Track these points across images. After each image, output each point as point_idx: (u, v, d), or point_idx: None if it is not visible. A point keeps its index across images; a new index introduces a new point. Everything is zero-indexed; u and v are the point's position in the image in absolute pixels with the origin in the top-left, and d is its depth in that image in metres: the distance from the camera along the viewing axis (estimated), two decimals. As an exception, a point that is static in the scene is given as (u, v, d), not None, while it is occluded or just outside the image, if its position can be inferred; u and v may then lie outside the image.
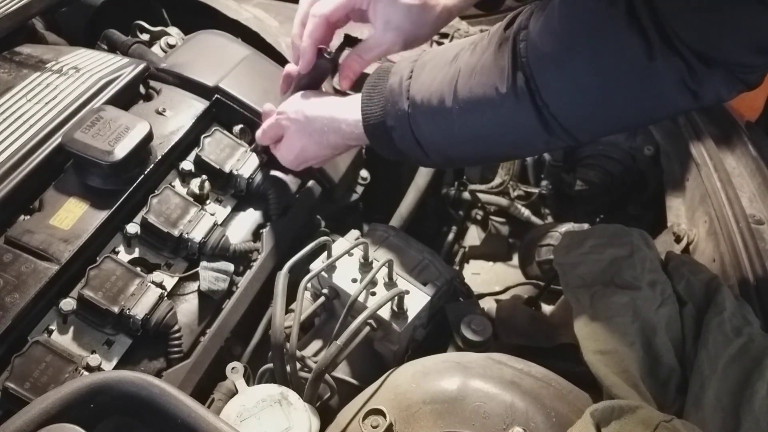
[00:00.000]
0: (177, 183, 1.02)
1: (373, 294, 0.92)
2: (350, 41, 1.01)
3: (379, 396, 0.81)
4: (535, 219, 1.63)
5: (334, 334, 0.85)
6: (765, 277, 0.99)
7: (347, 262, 0.95)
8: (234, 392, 0.85)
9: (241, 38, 1.26)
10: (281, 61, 1.24)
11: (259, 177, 1.06)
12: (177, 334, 0.89)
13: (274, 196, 1.07)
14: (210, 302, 0.96)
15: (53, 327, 0.85)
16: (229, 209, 1.05)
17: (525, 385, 0.79)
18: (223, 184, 1.06)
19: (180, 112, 1.07)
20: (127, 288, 0.88)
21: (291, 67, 1.03)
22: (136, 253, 0.94)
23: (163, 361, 0.89)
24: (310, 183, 1.15)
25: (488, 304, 1.13)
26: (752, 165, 1.21)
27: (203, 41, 1.21)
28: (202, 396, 0.89)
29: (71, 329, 0.86)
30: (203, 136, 1.05)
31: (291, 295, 0.87)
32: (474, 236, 1.68)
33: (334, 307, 0.99)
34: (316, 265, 0.94)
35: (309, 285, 0.94)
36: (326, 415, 0.84)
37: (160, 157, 0.99)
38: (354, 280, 0.94)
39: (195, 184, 1.02)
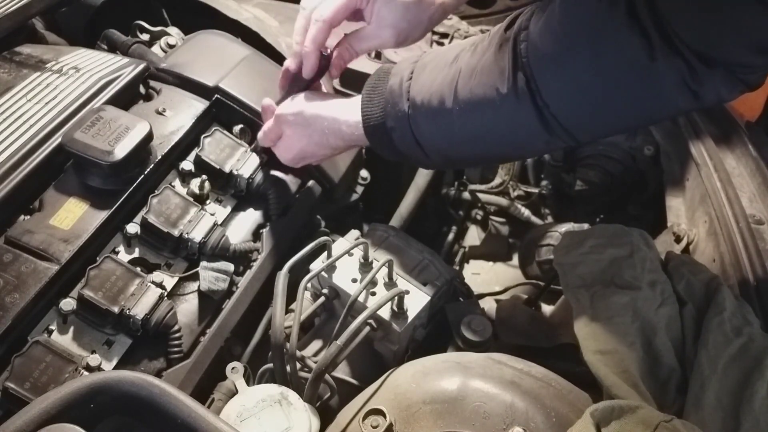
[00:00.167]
0: (177, 183, 1.02)
1: (373, 294, 0.92)
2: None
3: (379, 396, 0.81)
4: (535, 219, 1.63)
5: (334, 334, 0.85)
6: (765, 277, 0.99)
7: (347, 262, 0.95)
8: (234, 392, 0.85)
9: (241, 38, 1.26)
10: (281, 61, 1.24)
11: (259, 177, 1.06)
12: (177, 334, 0.89)
13: (274, 196, 1.07)
14: (210, 302, 0.96)
15: (53, 327, 0.85)
16: (229, 209, 1.05)
17: (525, 385, 0.79)
18: (223, 184, 1.06)
19: (180, 112, 1.07)
20: (127, 288, 0.88)
21: (290, 63, 1.02)
22: (136, 253, 0.94)
23: (163, 361, 0.89)
24: (310, 183, 1.15)
25: (488, 304, 1.13)
26: (752, 165, 1.21)
27: (203, 41, 1.21)
28: (202, 396, 0.89)
29: (71, 329, 0.86)
30: (203, 136, 1.05)
31: (291, 295, 0.87)
32: (474, 236, 1.68)
33: (334, 307, 0.99)
34: (316, 265, 0.94)
35: (309, 285, 0.94)
36: (326, 415, 0.84)
37: (160, 157, 0.99)
38: (354, 280, 0.94)
39: (195, 184, 1.02)
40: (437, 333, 1.01)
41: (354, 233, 1.03)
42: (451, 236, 1.63)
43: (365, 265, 0.94)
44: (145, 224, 0.94)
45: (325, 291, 0.95)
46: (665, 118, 1.25)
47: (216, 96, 1.10)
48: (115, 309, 0.85)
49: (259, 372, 0.89)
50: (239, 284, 0.99)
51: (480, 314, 1.00)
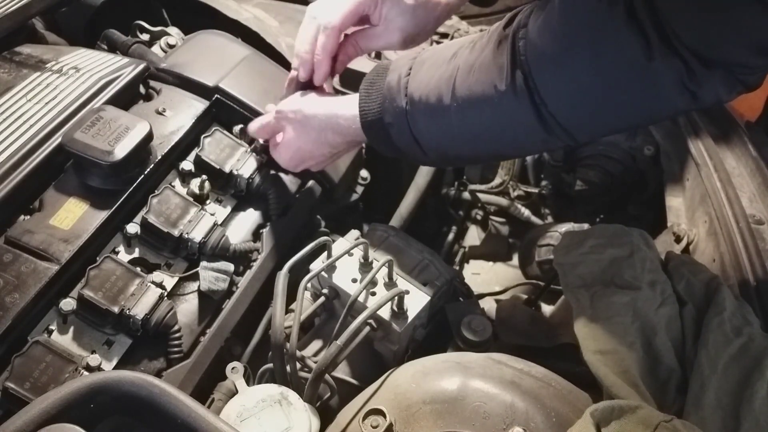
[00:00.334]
0: (177, 183, 1.02)
1: (373, 294, 0.92)
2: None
3: (379, 396, 0.81)
4: (535, 219, 1.63)
5: (334, 334, 0.85)
6: (765, 277, 0.99)
7: (347, 262, 0.95)
8: (234, 392, 0.85)
9: (241, 38, 1.26)
10: (281, 61, 1.24)
11: (259, 177, 1.06)
12: (177, 334, 0.90)
13: (274, 196, 1.07)
14: (210, 302, 0.96)
15: (53, 327, 0.85)
16: (229, 209, 1.05)
17: (525, 385, 0.79)
18: (223, 184, 1.06)
19: (180, 112, 1.07)
20: (127, 288, 0.88)
21: (296, 71, 1.02)
22: (136, 253, 0.94)
23: (163, 361, 0.89)
24: (310, 183, 1.15)
25: (488, 304, 1.13)
26: (752, 165, 1.21)
27: (203, 41, 1.21)
28: (202, 396, 0.89)
29: (71, 329, 0.86)
30: (203, 136, 1.05)
31: (291, 295, 0.87)
32: (474, 236, 1.68)
33: (334, 307, 0.99)
34: (316, 265, 0.94)
35: (309, 285, 0.94)
36: (326, 415, 0.84)
37: (160, 157, 0.99)
38: (354, 280, 0.94)
39: (195, 184, 1.02)
40: (437, 333, 1.01)
41: (354, 233, 1.03)
42: (451, 236, 1.63)
43: (365, 265, 0.94)
44: (145, 224, 0.94)
45: (325, 291, 0.95)
46: (664, 119, 1.25)
47: (216, 96, 1.10)
48: (115, 309, 0.85)
49: (259, 372, 0.89)
50: (239, 284, 0.99)
51: (480, 314, 1.00)
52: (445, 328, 1.00)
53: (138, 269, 0.91)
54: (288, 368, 0.84)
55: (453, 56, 0.84)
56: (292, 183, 1.12)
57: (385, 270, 0.91)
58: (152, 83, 1.12)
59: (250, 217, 1.07)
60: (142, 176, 0.96)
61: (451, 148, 0.88)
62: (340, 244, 0.97)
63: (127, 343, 0.87)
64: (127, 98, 1.06)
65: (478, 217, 1.69)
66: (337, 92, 1.15)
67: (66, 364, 0.81)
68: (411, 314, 0.90)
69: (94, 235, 0.90)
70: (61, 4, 1.29)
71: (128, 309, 0.86)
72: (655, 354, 0.82)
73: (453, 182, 1.65)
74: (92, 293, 0.85)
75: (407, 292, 0.90)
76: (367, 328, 0.89)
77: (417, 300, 0.93)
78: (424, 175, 1.46)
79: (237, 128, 1.11)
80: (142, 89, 1.10)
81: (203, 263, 0.96)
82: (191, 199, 0.99)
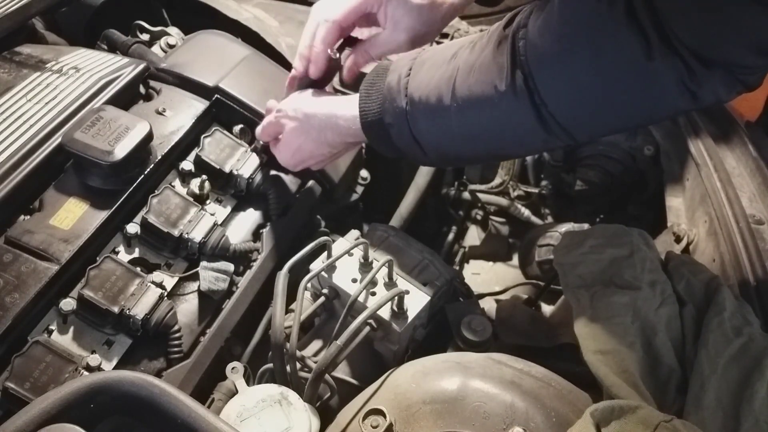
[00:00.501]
0: (177, 183, 1.02)
1: (373, 294, 0.92)
2: (350, 41, 1.01)
3: (379, 396, 0.81)
4: (535, 219, 1.63)
5: (334, 334, 0.85)
6: (765, 277, 0.99)
7: (347, 262, 0.95)
8: (234, 392, 0.85)
9: (241, 38, 1.26)
10: (281, 61, 1.24)
11: (259, 177, 1.06)
12: (177, 334, 0.90)
13: (274, 196, 1.07)
14: (210, 302, 0.96)
15: (53, 327, 0.85)
16: (229, 209, 1.05)
17: (525, 385, 0.79)
18: (223, 184, 1.06)
19: (180, 112, 1.07)
20: (127, 288, 0.88)
21: (297, 67, 1.02)
22: (136, 253, 0.94)
23: (163, 361, 0.89)
24: (310, 183, 1.15)
25: (488, 304, 1.13)
26: (752, 165, 1.21)
27: (203, 41, 1.21)
28: (202, 396, 0.89)
29: (71, 329, 0.86)
30: (203, 136, 1.05)
31: (291, 295, 0.87)
32: (474, 236, 1.68)
33: (334, 307, 0.99)
34: (316, 265, 0.94)
35: (309, 285, 0.94)
36: (326, 415, 0.84)
37: (160, 157, 0.99)
38: (354, 280, 0.94)
39: (195, 184, 1.02)
40: (437, 333, 1.01)
41: (354, 233, 1.03)
42: (451, 236, 1.63)
43: (365, 265, 0.94)
44: (145, 224, 0.94)
45: (325, 291, 0.95)
46: (664, 119, 1.25)
47: (216, 96, 1.10)
48: (115, 309, 0.85)
49: (259, 372, 0.89)
50: (239, 284, 0.99)
51: (480, 314, 1.00)
52: (445, 328, 1.00)
53: (138, 269, 0.91)
54: (288, 368, 0.84)
55: (453, 56, 0.84)
56: (292, 183, 1.12)
57: (385, 270, 0.91)
58: (152, 83, 1.12)
59: (250, 217, 1.07)
60: (142, 176, 0.96)
61: (451, 149, 0.88)
62: (340, 244, 0.97)
63: (127, 343, 0.87)
64: (127, 98, 1.06)
65: (478, 217, 1.69)
66: (336, 92, 1.15)
67: (66, 364, 0.81)
68: (411, 314, 0.90)
69: (94, 235, 0.90)
70: (61, 4, 1.29)
71: (128, 309, 0.86)
72: (655, 354, 0.82)
73: (453, 182, 1.65)
74: (92, 293, 0.85)
75: (407, 292, 0.90)
76: (367, 328, 0.89)
77: (417, 300, 0.93)
78: (424, 175, 1.46)
79: (237, 128, 1.11)
80: (142, 89, 1.10)
81: (203, 263, 0.96)
82: (191, 199, 0.99)
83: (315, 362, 0.84)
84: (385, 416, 0.74)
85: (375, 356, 0.97)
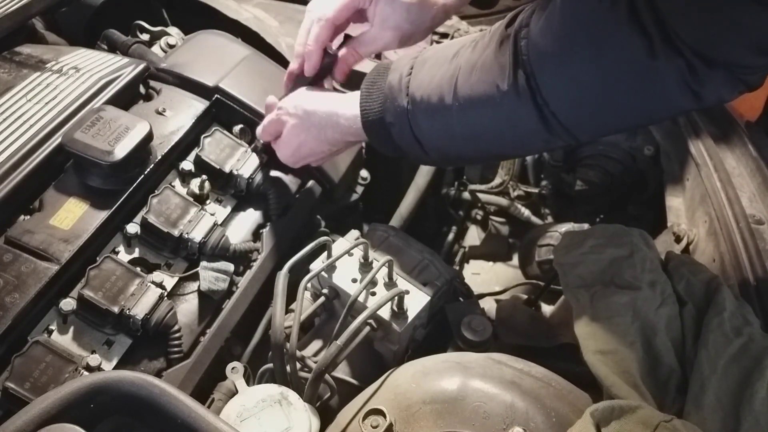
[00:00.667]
0: (177, 183, 1.02)
1: (373, 294, 0.92)
2: (347, 38, 1.02)
3: (379, 396, 0.81)
4: (535, 219, 1.64)
5: (334, 334, 0.85)
6: (765, 277, 0.99)
7: (347, 262, 0.95)
8: (234, 392, 0.85)
9: (241, 38, 1.26)
10: (281, 61, 1.24)
11: (259, 177, 1.06)
12: (177, 334, 0.89)
13: (274, 196, 1.07)
14: (210, 302, 0.96)
15: (53, 327, 0.85)
16: (229, 209, 1.05)
17: (525, 385, 0.79)
18: (223, 184, 1.06)
19: (180, 112, 1.07)
20: (127, 288, 0.88)
21: (293, 65, 1.03)
22: (136, 253, 0.94)
23: (163, 361, 0.89)
24: (310, 183, 1.15)
25: (488, 304, 1.13)
26: (752, 165, 1.21)
27: (203, 41, 1.21)
28: (202, 396, 0.89)
29: (71, 329, 0.86)
30: (203, 136, 1.05)
31: (291, 295, 0.87)
32: (474, 236, 1.68)
33: (334, 307, 0.99)
34: (316, 265, 0.94)
35: (309, 285, 0.94)
36: (326, 415, 0.84)
37: (160, 157, 0.99)
38: (354, 280, 0.94)
39: (195, 184, 1.02)
40: (437, 333, 1.01)
41: (354, 233, 1.03)
42: (451, 236, 1.63)
43: (365, 265, 0.94)
44: (145, 224, 0.94)
45: (325, 291, 0.95)
46: (665, 118, 1.25)
47: (216, 96, 1.10)
48: (115, 309, 0.85)
49: (259, 372, 0.89)
50: (239, 284, 0.99)
51: (480, 314, 1.00)
52: (445, 328, 1.00)
53: (138, 269, 0.91)
54: (288, 368, 0.84)
55: (455, 56, 0.84)
56: (292, 183, 1.12)
57: (385, 270, 0.91)
58: (152, 83, 1.12)
59: (250, 217, 1.07)
60: (142, 176, 0.96)
61: (452, 148, 0.88)
62: (340, 244, 0.97)
63: (127, 343, 0.87)
64: (127, 98, 1.06)
65: (478, 217, 1.70)
66: (336, 91, 1.14)
67: (66, 364, 0.81)
68: (411, 314, 0.90)
69: (94, 235, 0.90)
70: (61, 4, 1.29)
71: (128, 309, 0.86)
72: (655, 354, 0.82)
73: (453, 182, 1.65)
74: (92, 293, 0.85)
75: (407, 292, 0.90)
76: (367, 328, 0.89)
77: (417, 300, 0.93)
78: (424, 175, 1.46)
79: (237, 128, 1.11)
80: (142, 89, 1.10)
81: (203, 263, 0.96)
82: (191, 199, 0.99)
83: (315, 362, 0.84)
84: (385, 416, 0.74)
85: (375, 356, 0.97)
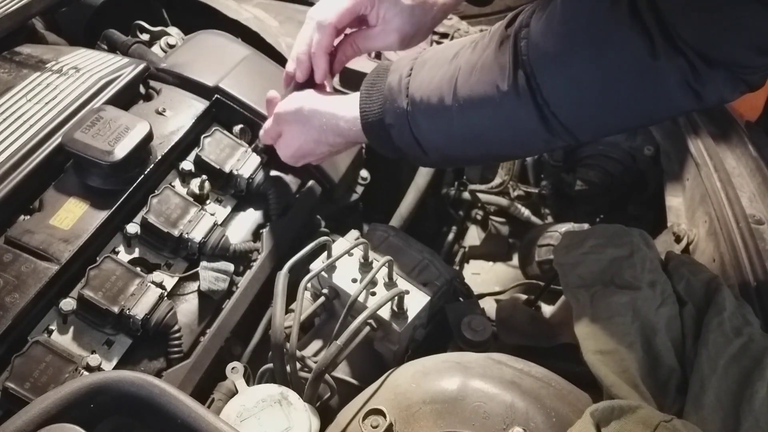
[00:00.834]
0: (177, 183, 1.02)
1: (373, 294, 0.92)
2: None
3: (379, 396, 0.81)
4: (535, 219, 1.63)
5: (334, 334, 0.85)
6: (765, 277, 0.99)
7: (347, 262, 0.95)
8: (234, 392, 0.85)
9: (241, 38, 1.26)
10: (281, 61, 1.24)
11: (259, 177, 1.06)
12: (177, 334, 0.89)
13: (274, 196, 1.07)
14: (210, 302, 0.96)
15: (53, 327, 0.85)
16: (229, 209, 1.05)
17: (525, 385, 0.79)
18: (223, 184, 1.06)
19: (180, 112, 1.07)
20: (127, 288, 0.88)
21: (291, 69, 1.03)
22: (136, 253, 0.94)
23: (163, 361, 0.89)
24: (310, 183, 1.15)
25: (488, 304, 1.13)
26: (752, 165, 1.21)
27: (203, 41, 1.21)
28: (202, 396, 0.89)
29: (71, 329, 0.86)
30: (203, 136, 1.05)
31: (291, 295, 0.87)
32: (474, 236, 1.68)
33: (334, 307, 0.99)
34: (316, 265, 0.93)
35: (309, 285, 0.94)
36: (326, 415, 0.84)
37: (160, 157, 0.99)
38: (354, 280, 0.94)
39: (195, 184, 1.02)
40: (437, 333, 1.01)
41: (354, 233, 1.03)
42: (451, 236, 1.63)
43: (365, 265, 0.94)
44: (145, 224, 0.94)
45: (325, 291, 0.95)
46: (666, 118, 1.25)
47: (216, 96, 1.10)
48: (115, 309, 0.85)
49: (259, 372, 0.89)
50: (239, 284, 0.99)
51: (480, 314, 1.00)
52: (445, 328, 1.00)
53: (138, 269, 0.91)
54: (288, 368, 0.84)
55: (454, 56, 0.84)
56: (292, 183, 1.12)
57: (385, 270, 0.91)
58: (152, 83, 1.12)
59: (250, 217, 1.07)
60: (142, 176, 0.96)
61: (452, 149, 0.88)
62: (340, 244, 0.97)
63: (127, 343, 0.87)
64: (127, 98, 1.06)
65: (478, 217, 1.70)
66: (336, 92, 1.15)
67: (66, 364, 0.81)
68: (411, 314, 0.90)
69: (94, 235, 0.90)
70: (61, 4, 1.29)
71: (128, 309, 0.86)
72: (655, 354, 0.82)
73: (453, 182, 1.65)
74: (92, 293, 0.85)
75: (407, 292, 0.90)
76: (367, 328, 0.89)
77: (417, 300, 0.93)
78: (424, 175, 1.47)
79: (237, 128, 1.11)
80: (142, 89, 1.10)
81: (203, 263, 0.96)
82: (191, 199, 0.99)
83: (315, 362, 0.84)
84: (385, 416, 0.74)
85: (375, 356, 0.97)
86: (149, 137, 0.95)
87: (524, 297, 1.22)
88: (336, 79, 1.08)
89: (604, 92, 0.74)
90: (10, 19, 1.09)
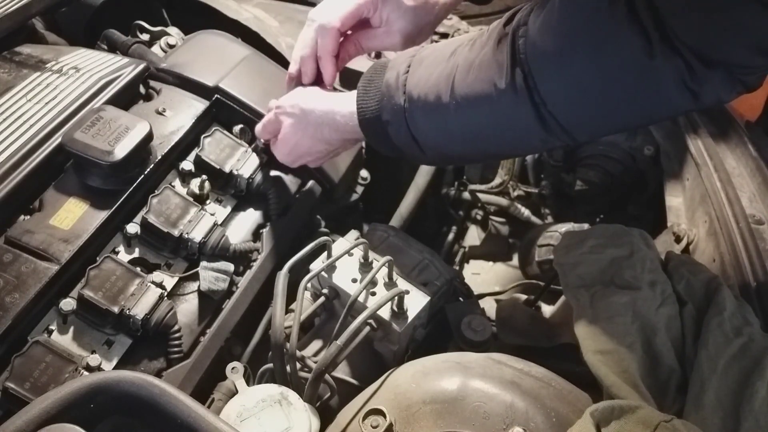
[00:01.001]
0: (177, 183, 1.02)
1: (373, 294, 0.92)
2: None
3: (379, 396, 0.81)
4: (535, 219, 1.63)
5: (334, 334, 0.85)
6: (765, 277, 0.99)
7: (347, 262, 0.95)
8: (234, 392, 0.85)
9: (241, 38, 1.26)
10: (281, 61, 1.24)
11: (259, 177, 1.06)
12: (177, 334, 0.90)
13: (274, 196, 1.07)
14: (210, 302, 0.96)
15: (53, 327, 0.85)
16: (229, 209, 1.05)
17: (525, 385, 0.79)
18: (223, 184, 1.06)
19: (180, 112, 1.07)
20: (127, 288, 0.88)
21: (294, 72, 1.03)
22: (136, 253, 0.94)
23: (163, 361, 0.89)
24: (310, 183, 1.15)
25: (488, 304, 1.13)
26: (752, 165, 1.21)
27: (203, 41, 1.21)
28: (202, 396, 0.89)
29: (71, 329, 0.86)
30: (203, 136, 1.05)
31: (291, 295, 0.87)
32: (474, 236, 1.68)
33: (334, 307, 0.99)
34: (316, 265, 0.93)
35: (309, 285, 0.94)
36: (326, 415, 0.84)
37: (160, 157, 0.99)
38: (354, 280, 0.94)
39: (195, 184, 1.02)
40: (437, 333, 1.01)
41: (354, 233, 1.03)
42: (451, 236, 1.63)
43: (365, 265, 0.94)
44: (145, 224, 0.94)
45: (325, 291, 0.95)
46: (664, 119, 1.24)
47: (216, 96, 1.10)
48: (115, 309, 0.85)
49: (259, 372, 0.89)
50: (239, 284, 0.99)
51: (480, 314, 1.00)
52: (445, 328, 1.00)
53: (138, 269, 0.91)
54: (288, 368, 0.84)
55: (452, 54, 0.84)
56: (292, 183, 1.12)
57: (385, 270, 0.91)
58: (152, 83, 1.12)
59: (250, 217, 1.07)
60: (142, 176, 0.96)
61: (449, 147, 0.88)
62: (340, 244, 0.97)
63: (127, 343, 0.87)
64: (127, 98, 1.06)
65: (478, 217, 1.70)
66: (335, 91, 1.15)
67: (66, 364, 0.81)
68: (411, 314, 0.90)
69: (94, 235, 0.90)
70: (61, 4, 1.29)
71: (128, 309, 0.86)
72: (655, 354, 0.82)
73: (453, 182, 1.65)
74: (92, 293, 0.85)
75: (407, 292, 0.90)
76: (367, 328, 0.89)
77: (417, 300, 0.93)
78: (424, 175, 1.46)
79: (237, 128, 1.11)
80: (142, 89, 1.10)
81: (203, 263, 0.96)
82: (191, 199, 0.99)
83: (315, 362, 0.84)
84: (385, 416, 0.74)
85: (375, 356, 0.97)
86: (149, 137, 0.96)
87: (524, 297, 1.22)
88: (336, 79, 1.08)
89: (601, 91, 0.74)
90: (10, 19, 1.09)
